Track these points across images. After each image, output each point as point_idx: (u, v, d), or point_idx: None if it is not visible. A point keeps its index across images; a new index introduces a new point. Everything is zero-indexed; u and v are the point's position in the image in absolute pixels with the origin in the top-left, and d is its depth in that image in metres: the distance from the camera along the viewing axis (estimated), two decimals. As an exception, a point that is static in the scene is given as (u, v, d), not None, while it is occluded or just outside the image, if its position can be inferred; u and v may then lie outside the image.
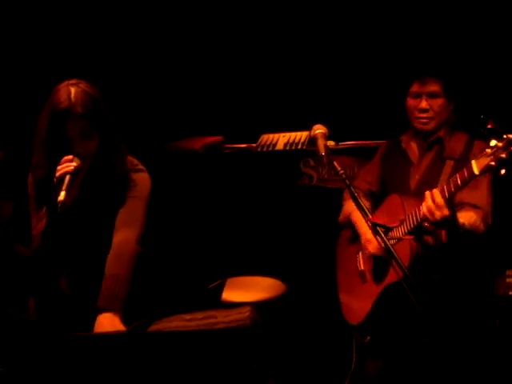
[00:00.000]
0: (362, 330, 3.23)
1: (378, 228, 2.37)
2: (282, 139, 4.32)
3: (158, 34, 4.41)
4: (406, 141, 3.35)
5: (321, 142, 2.57)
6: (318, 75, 4.30)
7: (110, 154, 2.58)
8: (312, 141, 2.61)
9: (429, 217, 2.83)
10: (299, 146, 4.24)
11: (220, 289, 2.18)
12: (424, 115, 3.19)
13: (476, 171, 2.69)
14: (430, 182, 3.07)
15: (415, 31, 4.04)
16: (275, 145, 4.31)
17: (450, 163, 3.14)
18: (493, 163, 2.64)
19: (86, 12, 4.28)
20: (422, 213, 2.86)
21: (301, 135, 4.29)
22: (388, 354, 3.24)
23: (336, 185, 4.09)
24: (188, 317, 1.99)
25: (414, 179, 3.24)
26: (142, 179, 2.66)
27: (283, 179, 4.27)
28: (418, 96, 3.20)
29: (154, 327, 1.99)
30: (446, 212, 2.81)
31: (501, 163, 2.62)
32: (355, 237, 3.35)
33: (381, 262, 3.13)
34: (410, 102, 3.23)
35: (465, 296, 3.17)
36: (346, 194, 3.43)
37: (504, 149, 2.61)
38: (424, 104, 3.18)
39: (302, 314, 3.94)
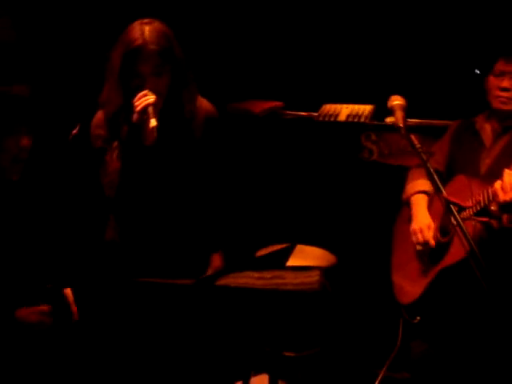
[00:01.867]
0: (412, 311, 3.19)
1: (451, 206, 2.32)
2: (344, 111, 4.25)
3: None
4: (481, 122, 3.25)
5: (399, 114, 2.53)
6: (386, 48, 4.22)
7: (181, 93, 2.61)
8: (391, 111, 2.56)
9: (500, 195, 2.74)
10: (362, 119, 4.16)
11: (288, 252, 2.15)
12: (505, 94, 3.07)
13: None
14: (501, 167, 2.95)
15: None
16: (337, 116, 4.24)
17: None
18: None
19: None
20: (493, 190, 2.77)
21: (364, 108, 4.21)
22: (435, 338, 3.20)
23: (396, 161, 4.02)
24: (257, 275, 1.96)
25: (485, 163, 3.15)
26: None
27: (343, 151, 4.20)
28: (502, 74, 3.09)
29: (222, 281, 1.97)
30: None
31: None
32: (414, 216, 3.30)
33: (440, 244, 3.08)
34: (492, 80, 3.12)
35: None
36: (411, 174, 3.37)
37: None
38: (506, 83, 3.07)
39: (351, 288, 3.90)
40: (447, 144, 3.35)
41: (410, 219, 3.34)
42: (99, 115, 2.69)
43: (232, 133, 3.63)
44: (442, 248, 3.05)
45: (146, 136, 2.52)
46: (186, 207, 2.70)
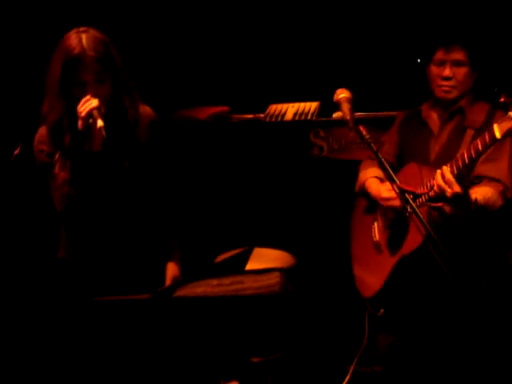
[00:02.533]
0: (376, 303, 3.18)
1: (406, 194, 2.31)
2: (290, 109, 4.23)
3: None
4: (426, 111, 3.25)
5: (345, 107, 2.52)
6: (328, 43, 4.21)
7: (123, 99, 2.62)
8: (337, 104, 2.54)
9: (440, 195, 2.75)
10: (308, 117, 4.15)
11: (247, 256, 2.11)
12: (447, 83, 3.08)
13: (498, 135, 2.58)
14: (450, 153, 2.99)
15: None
16: (284, 115, 4.22)
17: (470, 133, 3.04)
18: None
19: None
20: (434, 190, 2.78)
21: (310, 105, 4.20)
22: (401, 328, 3.19)
23: (346, 156, 4.02)
24: (215, 282, 1.91)
25: (434, 150, 3.15)
26: None
27: (292, 150, 4.19)
28: (442, 64, 3.08)
29: (180, 292, 1.92)
30: (457, 189, 2.70)
31: None
32: (370, 207, 3.29)
33: (396, 233, 3.07)
34: (434, 69, 3.11)
35: (478, 268, 3.11)
36: (363, 165, 3.37)
37: None
38: (448, 72, 3.06)
39: (313, 286, 3.88)
40: (395, 135, 3.35)
41: (365, 211, 3.34)
42: (41, 131, 2.66)
43: (180, 140, 3.61)
44: (398, 237, 3.04)
45: (94, 141, 2.54)
46: (137, 215, 2.67)
